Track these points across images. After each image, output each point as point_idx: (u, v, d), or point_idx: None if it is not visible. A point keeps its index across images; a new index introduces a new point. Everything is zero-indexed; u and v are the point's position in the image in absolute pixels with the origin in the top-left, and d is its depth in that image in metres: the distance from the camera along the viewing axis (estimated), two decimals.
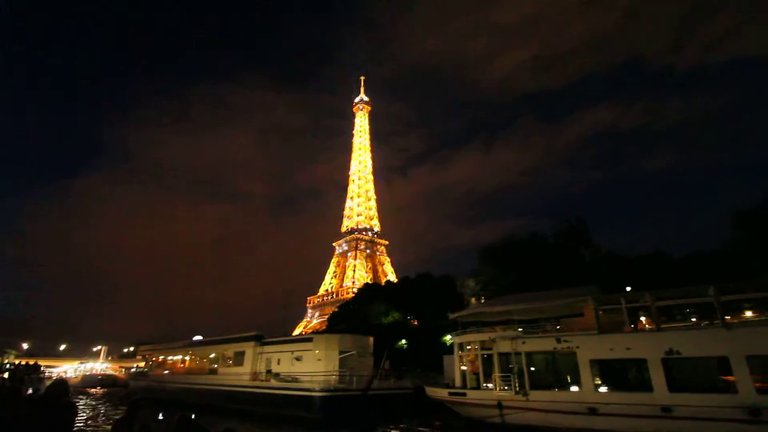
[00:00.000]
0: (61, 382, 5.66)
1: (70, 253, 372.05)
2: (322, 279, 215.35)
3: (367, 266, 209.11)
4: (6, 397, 5.34)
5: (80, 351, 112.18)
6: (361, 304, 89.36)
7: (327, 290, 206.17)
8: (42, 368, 57.50)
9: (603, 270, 47.48)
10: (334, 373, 29.33)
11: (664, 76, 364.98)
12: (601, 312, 22.01)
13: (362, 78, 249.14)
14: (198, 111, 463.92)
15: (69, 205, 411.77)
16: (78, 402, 48.48)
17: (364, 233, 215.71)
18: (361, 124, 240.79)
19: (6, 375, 44.48)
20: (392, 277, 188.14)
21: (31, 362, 54.07)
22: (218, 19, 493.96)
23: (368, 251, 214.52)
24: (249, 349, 36.09)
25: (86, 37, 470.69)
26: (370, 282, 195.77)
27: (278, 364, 33.45)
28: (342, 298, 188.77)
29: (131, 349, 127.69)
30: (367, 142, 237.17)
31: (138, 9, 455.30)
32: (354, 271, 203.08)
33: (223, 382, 36.58)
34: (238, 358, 37.06)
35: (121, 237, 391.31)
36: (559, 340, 21.23)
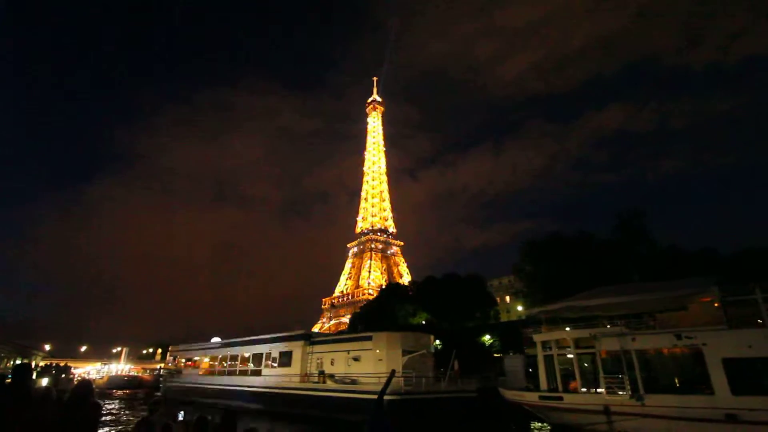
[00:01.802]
0: (86, 383, 5.74)
1: (80, 257, 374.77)
2: (333, 281, 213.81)
3: (382, 267, 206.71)
4: (35, 398, 5.03)
5: (100, 352, 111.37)
6: (385, 304, 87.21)
7: (342, 291, 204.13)
8: (72, 369, 56.43)
9: (662, 265, 44.58)
10: (400, 375, 26.96)
11: (677, 76, 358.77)
12: (718, 305, 19.47)
13: (375, 78, 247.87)
14: (205, 116, 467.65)
15: (78, 210, 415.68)
16: (106, 403, 46.90)
17: (378, 234, 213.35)
18: (375, 124, 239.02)
19: (34, 375, 43.09)
20: (407, 278, 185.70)
21: (62, 363, 52.97)
22: (225, 25, 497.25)
23: (383, 252, 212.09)
24: (297, 348, 33.93)
25: (94, 43, 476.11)
26: (385, 283, 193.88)
27: (332, 364, 31.23)
28: (358, 299, 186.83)
29: (150, 350, 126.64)
30: (381, 143, 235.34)
31: (145, 16, 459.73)
32: (369, 272, 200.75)
33: (269, 384, 34.44)
34: (285, 359, 34.91)
35: (131, 241, 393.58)
36: (679, 336, 18.66)
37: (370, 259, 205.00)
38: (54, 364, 51.79)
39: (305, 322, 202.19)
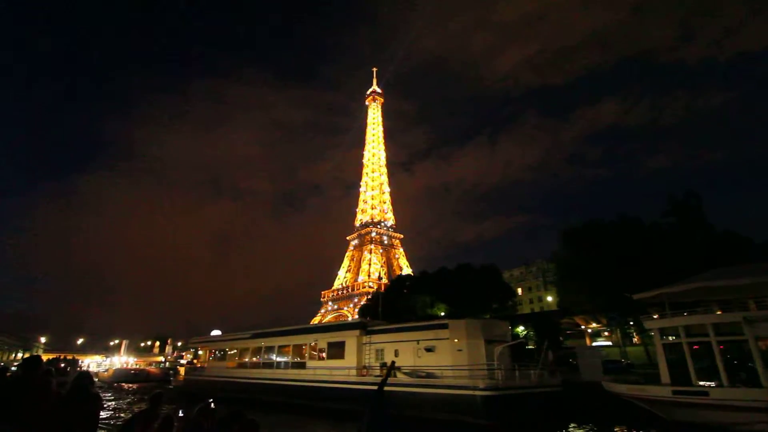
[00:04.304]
0: (86, 374, 6.36)
1: (74, 249, 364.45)
2: (331, 274, 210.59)
3: (382, 260, 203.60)
4: (37, 390, 4.64)
5: (96, 345, 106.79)
6: (397, 295, 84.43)
7: (342, 284, 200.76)
8: (80, 362, 52.49)
9: (719, 251, 42.03)
10: (484, 367, 23.81)
11: (672, 71, 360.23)
12: None
13: (374, 69, 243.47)
14: (199, 108, 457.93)
15: (71, 202, 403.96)
16: (116, 397, 43.35)
17: (378, 227, 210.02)
18: (374, 115, 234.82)
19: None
20: (408, 271, 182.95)
21: (69, 357, 49.03)
22: (219, 15, 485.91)
23: (383, 245, 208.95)
24: (351, 338, 30.54)
25: (87, 34, 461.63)
26: (385, 276, 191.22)
27: (395, 356, 27.92)
28: (358, 292, 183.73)
29: (148, 343, 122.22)
30: (381, 134, 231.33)
31: (139, 6, 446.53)
32: (370, 264, 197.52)
33: (317, 378, 31.05)
34: (335, 350, 31.53)
35: (123, 234, 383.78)
36: None
37: (370, 252, 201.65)
38: (63, 357, 47.82)
39: (303, 315, 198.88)
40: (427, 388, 24.01)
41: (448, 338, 25.73)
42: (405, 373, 26.12)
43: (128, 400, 41.81)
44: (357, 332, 30.43)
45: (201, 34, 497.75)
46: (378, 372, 27.98)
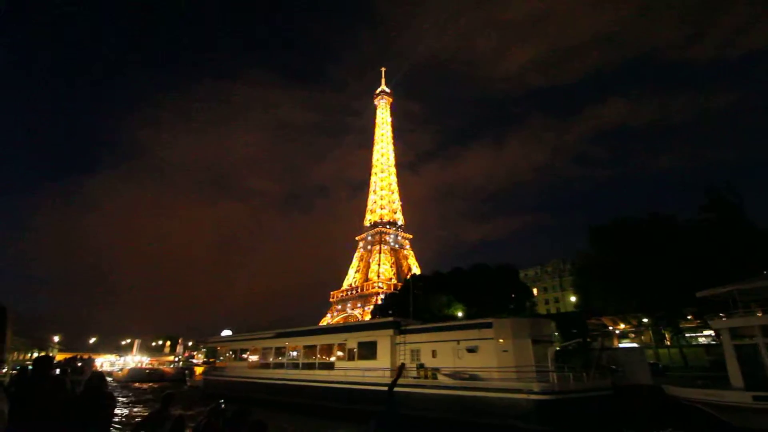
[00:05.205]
0: (99, 374, 5.68)
1: (78, 249, 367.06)
2: (338, 275, 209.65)
3: (391, 260, 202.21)
4: (51, 389, 4.63)
5: (108, 345, 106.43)
6: (411, 295, 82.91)
7: (351, 285, 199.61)
8: (94, 362, 51.87)
9: (758, 249, 40.14)
10: (533, 369, 22.40)
11: (679, 70, 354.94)
12: None
13: (383, 69, 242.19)
14: (205, 109, 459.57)
15: (76, 202, 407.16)
16: (130, 396, 42.57)
17: (387, 227, 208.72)
18: (383, 115, 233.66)
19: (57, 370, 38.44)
20: (417, 271, 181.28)
21: (86, 356, 48.38)
22: (224, 15, 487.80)
23: (392, 245, 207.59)
24: (384, 338, 29.20)
25: (93, 33, 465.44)
26: (394, 276, 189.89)
27: (433, 356, 26.55)
28: (367, 292, 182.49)
29: (159, 342, 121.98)
30: (390, 134, 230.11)
31: (144, 6, 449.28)
32: (379, 265, 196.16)
33: (347, 379, 29.72)
34: (366, 350, 30.18)
35: (128, 234, 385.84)
36: None
37: (380, 252, 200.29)
38: (79, 357, 47.16)
39: (313, 315, 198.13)
40: (472, 391, 22.59)
41: (492, 338, 24.31)
42: (445, 375, 24.75)
43: (144, 399, 40.98)
44: (390, 332, 29.07)
45: (206, 35, 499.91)
46: (414, 373, 26.64)
